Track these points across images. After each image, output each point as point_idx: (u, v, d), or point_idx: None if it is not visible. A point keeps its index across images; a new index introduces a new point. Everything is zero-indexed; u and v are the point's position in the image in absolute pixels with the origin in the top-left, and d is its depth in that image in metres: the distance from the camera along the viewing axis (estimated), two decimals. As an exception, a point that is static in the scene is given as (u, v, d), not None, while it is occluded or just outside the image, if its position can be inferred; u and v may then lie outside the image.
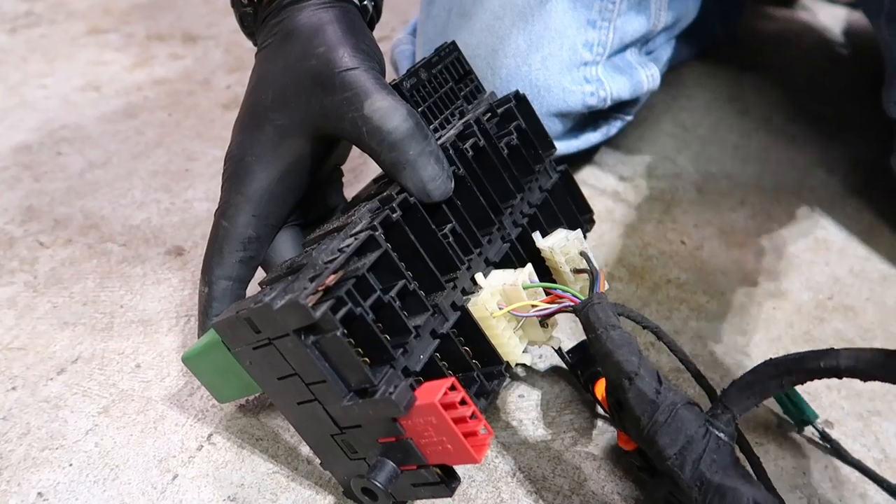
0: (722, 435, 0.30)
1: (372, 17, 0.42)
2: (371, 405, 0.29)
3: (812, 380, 0.30)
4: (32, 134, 0.66)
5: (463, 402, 0.29)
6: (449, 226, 0.36)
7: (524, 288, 0.35)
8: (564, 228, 0.41)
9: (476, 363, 0.35)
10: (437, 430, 0.29)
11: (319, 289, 0.29)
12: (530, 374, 0.44)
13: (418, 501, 0.36)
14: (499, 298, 0.35)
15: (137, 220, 0.56)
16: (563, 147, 0.58)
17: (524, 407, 0.42)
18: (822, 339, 0.48)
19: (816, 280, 0.53)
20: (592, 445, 0.40)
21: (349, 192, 0.45)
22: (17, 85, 0.74)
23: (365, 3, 0.41)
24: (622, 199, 0.60)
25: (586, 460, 0.39)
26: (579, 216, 0.45)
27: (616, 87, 0.56)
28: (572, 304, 0.35)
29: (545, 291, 0.36)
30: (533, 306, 0.35)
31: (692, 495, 0.29)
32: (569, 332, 0.46)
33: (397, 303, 0.32)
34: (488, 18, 0.54)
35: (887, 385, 0.44)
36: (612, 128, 0.62)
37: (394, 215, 0.33)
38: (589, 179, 0.62)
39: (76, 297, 0.49)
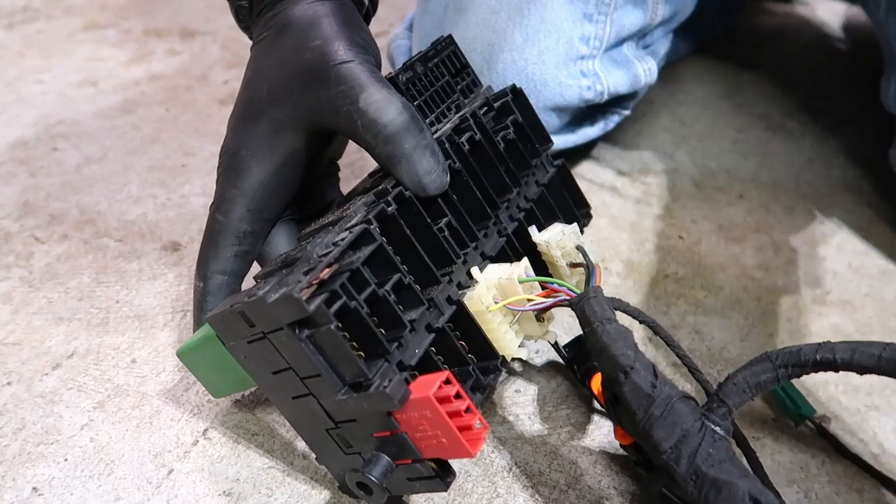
0: (718, 429, 0.30)
1: (368, 11, 0.42)
2: (365, 399, 0.29)
3: (808, 373, 0.30)
4: (29, 129, 0.66)
5: (458, 396, 0.29)
6: (445, 220, 0.36)
7: (520, 282, 0.35)
8: (561, 223, 0.41)
9: (472, 357, 0.35)
10: (432, 424, 0.29)
11: (314, 282, 0.29)
12: (527, 369, 0.44)
13: (414, 496, 0.36)
14: (494, 292, 0.35)
15: (133, 216, 0.56)
16: (561, 142, 0.58)
17: (521, 402, 0.42)
18: (819, 335, 0.47)
19: (814, 275, 0.52)
20: (589, 440, 0.40)
21: (346, 188, 0.45)
22: (14, 80, 0.74)
23: (361, -5, 0.41)
24: (620, 194, 0.60)
25: (583, 455, 0.39)
26: (576, 210, 0.45)
27: (613, 81, 0.56)
28: (568, 298, 0.34)
29: (541, 286, 0.36)
30: (529, 300, 0.35)
31: (688, 489, 0.29)
32: (566, 327, 0.46)
33: (392, 297, 0.31)
34: (484, 13, 0.54)
35: (885, 380, 0.44)
36: (610, 122, 0.62)
37: (389, 209, 0.33)
38: (587, 174, 0.62)
39: (72, 292, 0.48)
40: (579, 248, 0.39)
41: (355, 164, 0.61)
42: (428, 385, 0.29)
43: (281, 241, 0.40)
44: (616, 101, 0.60)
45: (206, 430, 0.40)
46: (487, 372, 0.35)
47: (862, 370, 0.29)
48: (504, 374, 0.43)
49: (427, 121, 0.40)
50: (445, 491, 0.31)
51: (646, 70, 0.59)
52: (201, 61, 0.78)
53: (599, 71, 0.56)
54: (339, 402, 0.30)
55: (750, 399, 0.31)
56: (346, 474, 0.33)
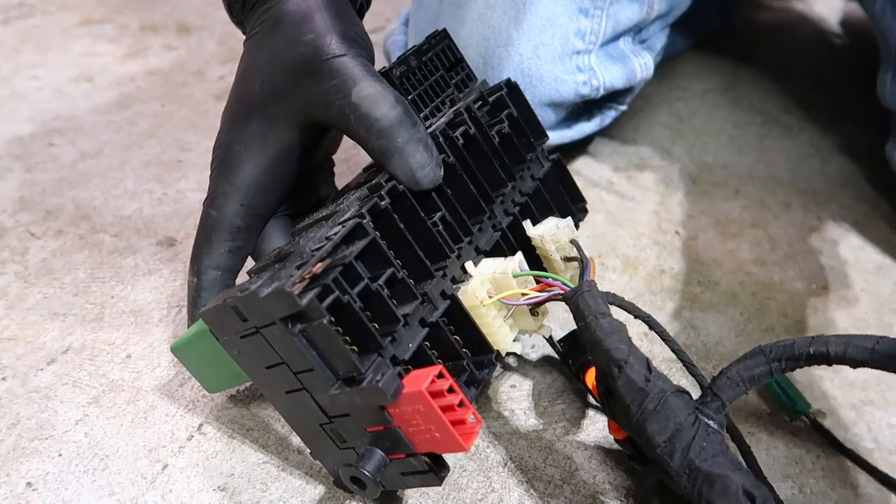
0: (711, 423, 0.30)
1: (362, 5, 0.42)
2: (358, 393, 0.29)
3: (801, 367, 0.30)
4: (24, 125, 0.66)
5: (451, 390, 0.29)
6: (438, 214, 0.35)
7: (514, 276, 0.35)
8: (556, 217, 0.41)
9: (466, 352, 0.35)
10: (425, 419, 0.29)
11: (306, 276, 0.29)
12: (522, 364, 0.44)
13: (408, 490, 0.36)
14: (489, 287, 0.35)
15: (129, 211, 0.56)
16: (557, 137, 0.58)
17: (516, 396, 0.42)
18: (815, 329, 0.47)
19: (811, 270, 0.52)
20: (584, 435, 0.40)
21: (342, 183, 0.45)
22: (10, 76, 0.74)
23: (354, -11, 0.40)
24: (616, 190, 0.60)
25: (578, 450, 0.39)
26: (572, 205, 0.45)
27: (609, 76, 0.56)
28: (562, 292, 0.34)
29: (535, 280, 0.36)
30: (523, 294, 0.35)
31: (681, 483, 0.29)
32: (561, 322, 0.46)
33: (385, 291, 0.31)
34: (480, 7, 0.54)
35: (880, 374, 0.44)
36: (606, 118, 0.61)
37: (382, 203, 0.33)
38: (583, 170, 0.62)
39: (67, 287, 0.48)
40: (573, 242, 0.38)
41: (351, 160, 0.61)
42: (421, 379, 0.29)
43: (275, 237, 0.40)
44: (612, 97, 0.60)
45: (200, 426, 0.40)
46: (482, 366, 0.35)
47: (855, 364, 0.29)
48: (499, 369, 0.43)
49: (421, 115, 0.40)
50: (439, 485, 0.31)
51: (642, 65, 0.59)
52: (197, 57, 0.78)
53: (595, 66, 0.55)
54: (332, 397, 0.30)
55: (744, 393, 0.31)
56: (341, 469, 0.33)
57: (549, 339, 0.42)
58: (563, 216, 0.41)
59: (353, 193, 0.36)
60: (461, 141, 0.38)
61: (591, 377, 0.38)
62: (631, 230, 0.55)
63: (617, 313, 0.34)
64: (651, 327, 0.36)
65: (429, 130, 0.37)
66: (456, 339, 0.35)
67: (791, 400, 0.40)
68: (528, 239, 0.39)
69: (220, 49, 0.80)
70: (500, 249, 0.39)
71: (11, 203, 0.56)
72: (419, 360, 0.32)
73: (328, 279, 0.29)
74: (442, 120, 0.39)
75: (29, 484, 0.36)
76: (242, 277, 0.39)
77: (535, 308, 0.36)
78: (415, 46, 0.41)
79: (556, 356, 0.43)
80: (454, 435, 0.28)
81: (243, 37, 0.41)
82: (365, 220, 0.32)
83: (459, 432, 0.29)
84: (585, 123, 0.60)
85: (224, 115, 0.39)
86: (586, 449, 0.39)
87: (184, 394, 0.41)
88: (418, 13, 0.58)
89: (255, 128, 0.37)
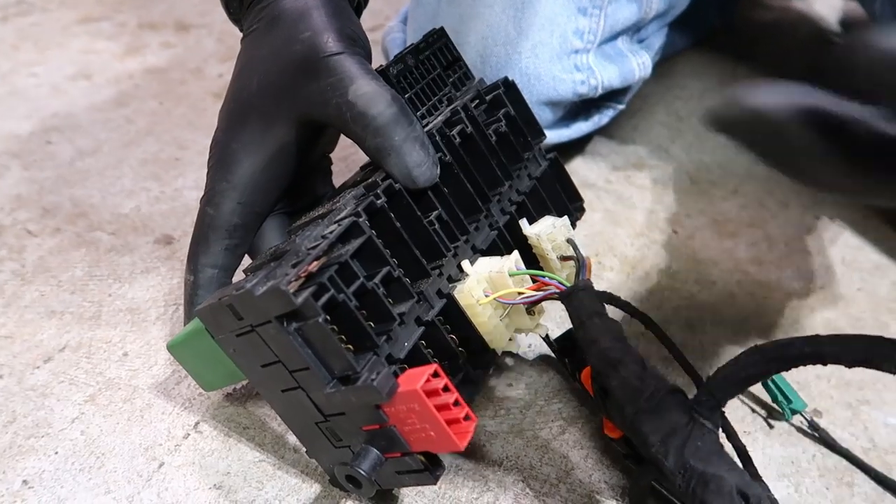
0: (706, 422, 0.30)
1: (359, 3, 0.42)
2: (354, 392, 0.29)
3: (797, 366, 0.30)
4: (22, 122, 0.65)
5: (446, 389, 0.29)
6: (435, 212, 0.35)
7: (510, 275, 0.35)
8: (552, 216, 0.41)
9: (462, 351, 0.35)
10: (420, 418, 0.29)
11: (301, 275, 0.29)
12: (519, 363, 0.44)
13: (404, 489, 0.36)
14: (485, 286, 0.35)
15: (127, 209, 0.56)
16: (555, 136, 0.58)
17: (512, 395, 0.42)
18: (812, 329, 0.47)
19: (808, 269, 0.52)
20: (580, 434, 0.40)
21: (340, 182, 0.45)
22: (8, 73, 0.73)
23: (352, -13, 0.40)
24: (614, 189, 0.60)
25: (574, 449, 0.39)
26: (569, 204, 0.45)
27: (607, 75, 0.56)
28: (558, 291, 0.34)
29: (532, 279, 0.36)
30: (519, 293, 0.35)
31: (676, 483, 0.29)
32: (558, 321, 0.46)
33: (381, 289, 0.31)
34: (478, 6, 0.54)
35: (876, 374, 0.44)
36: (604, 117, 0.61)
37: (378, 201, 0.33)
38: (581, 169, 0.62)
39: (64, 285, 0.48)
40: (570, 241, 0.38)
41: (349, 158, 0.61)
42: (416, 378, 0.29)
43: (272, 235, 0.40)
44: (610, 96, 0.60)
45: (197, 424, 0.40)
46: (478, 365, 0.35)
47: (851, 363, 0.29)
48: (495, 368, 0.43)
49: (418, 113, 0.40)
50: (435, 484, 0.31)
51: (640, 64, 0.59)
52: (196, 54, 0.78)
53: (593, 65, 0.55)
54: (327, 396, 0.30)
55: (739, 392, 0.31)
56: (336, 467, 0.33)
57: (546, 338, 0.42)
58: (560, 215, 0.41)
59: (349, 192, 0.36)
60: (458, 139, 0.38)
61: (587, 376, 0.38)
62: (628, 229, 0.55)
63: (613, 312, 0.34)
64: (647, 326, 0.36)
65: (425, 129, 0.37)
66: (452, 337, 0.35)
67: (787, 399, 0.40)
68: (525, 238, 0.39)
69: (219, 47, 0.80)
70: (497, 248, 0.39)
71: (9, 201, 0.56)
72: (415, 358, 0.32)
73: (324, 278, 0.29)
74: (439, 118, 0.39)
75: (25, 482, 0.36)
76: (239, 275, 0.39)
77: (531, 307, 0.36)
78: (412, 45, 0.41)
79: (552, 355, 0.43)
80: (449, 434, 0.28)
81: (241, 34, 0.41)
82: (361, 219, 0.32)
83: (454, 431, 0.29)
84: (583, 122, 0.60)
85: (221, 112, 0.39)
86: (583, 448, 0.39)
87: (180, 392, 0.41)
88: (417, 11, 0.58)
89: (252, 126, 0.37)
